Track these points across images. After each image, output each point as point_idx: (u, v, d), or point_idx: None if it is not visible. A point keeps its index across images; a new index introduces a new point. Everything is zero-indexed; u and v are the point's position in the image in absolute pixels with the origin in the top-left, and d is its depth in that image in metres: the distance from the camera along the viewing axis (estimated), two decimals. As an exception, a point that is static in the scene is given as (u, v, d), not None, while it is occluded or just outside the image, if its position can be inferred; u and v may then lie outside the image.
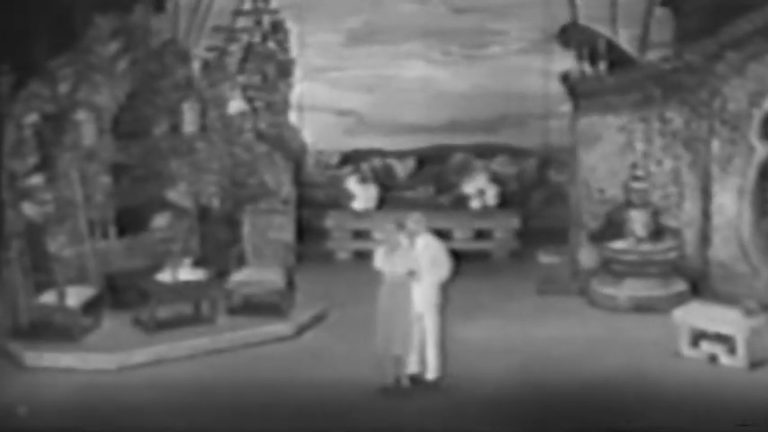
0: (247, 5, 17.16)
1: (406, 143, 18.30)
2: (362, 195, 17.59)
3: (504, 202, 17.61)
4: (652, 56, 16.30)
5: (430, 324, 11.39)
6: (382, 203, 17.65)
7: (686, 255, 14.45)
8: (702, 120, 14.18)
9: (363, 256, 17.00)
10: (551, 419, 10.71)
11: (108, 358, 12.19)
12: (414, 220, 11.50)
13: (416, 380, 11.44)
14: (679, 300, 13.52)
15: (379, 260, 11.35)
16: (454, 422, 10.73)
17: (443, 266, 11.39)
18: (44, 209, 13.14)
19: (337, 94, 18.20)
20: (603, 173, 14.93)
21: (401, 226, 11.42)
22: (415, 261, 11.22)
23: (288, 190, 15.01)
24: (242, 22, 17.13)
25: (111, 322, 13.10)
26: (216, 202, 14.65)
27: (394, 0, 18.10)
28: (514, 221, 17.24)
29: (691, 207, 14.45)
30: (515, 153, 18.29)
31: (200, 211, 14.57)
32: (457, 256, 11.66)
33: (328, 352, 12.66)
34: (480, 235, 17.32)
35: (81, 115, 13.59)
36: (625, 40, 16.76)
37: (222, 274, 13.73)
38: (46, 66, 13.63)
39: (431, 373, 11.46)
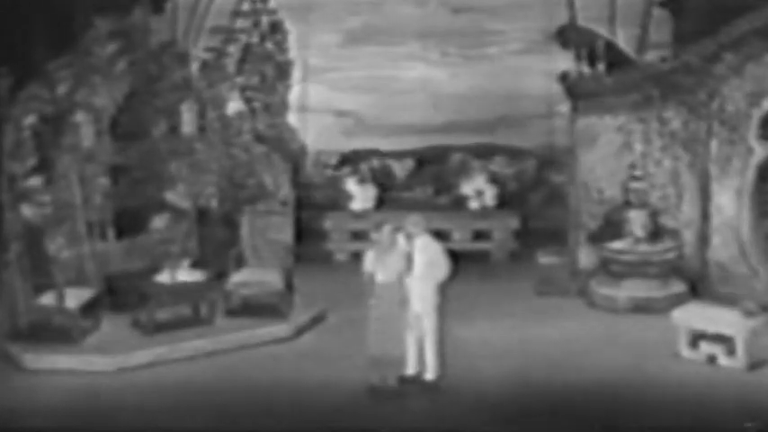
0: (246, 6, 17.13)
1: (404, 144, 18.28)
2: (361, 196, 17.59)
3: (503, 202, 17.60)
4: (650, 56, 16.31)
5: (428, 325, 11.39)
6: (381, 204, 17.64)
7: (685, 255, 14.45)
8: (701, 120, 14.19)
9: (362, 258, 17.03)
10: (550, 420, 10.71)
11: (107, 360, 12.19)
12: (412, 222, 11.50)
13: (415, 380, 11.44)
14: (678, 300, 13.52)
15: (369, 263, 11.34)
16: (453, 422, 10.73)
17: (441, 268, 11.38)
18: (43, 210, 13.12)
19: (336, 95, 18.19)
20: (602, 173, 14.93)
21: (398, 229, 11.41)
22: (407, 263, 11.21)
23: (286, 191, 14.98)
24: (240, 22, 17.11)
25: (110, 324, 13.10)
26: (214, 204, 14.62)
27: (392, 1, 18.09)
28: (513, 222, 17.24)
29: (689, 208, 14.46)
30: (514, 153, 18.28)
31: (198, 213, 14.55)
32: (455, 257, 11.66)
33: (327, 353, 12.66)
34: (479, 236, 17.32)
35: (80, 117, 13.56)
36: (624, 40, 16.78)
37: (221, 276, 13.73)
38: (44, 67, 13.60)
39: (429, 374, 11.46)
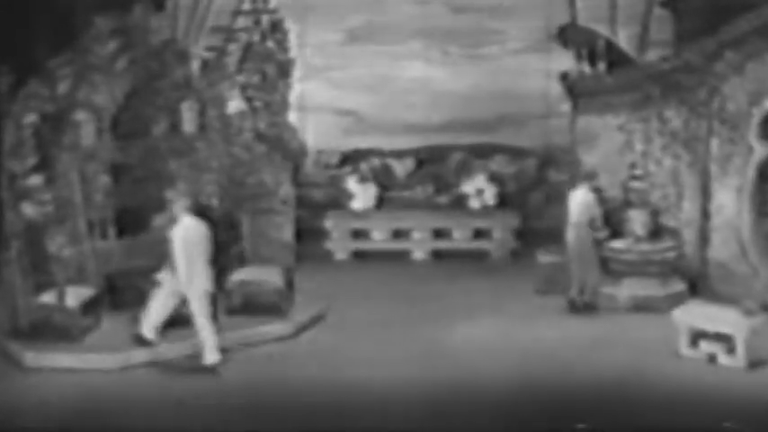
0: (246, 5, 17.12)
1: (405, 143, 18.29)
2: (361, 195, 17.61)
3: (503, 201, 17.63)
4: (651, 56, 16.32)
5: (193, 308, 11.89)
6: (381, 203, 17.66)
7: (685, 254, 14.46)
8: (701, 119, 14.20)
9: (362, 256, 17.06)
10: (551, 419, 10.71)
11: (107, 358, 12.18)
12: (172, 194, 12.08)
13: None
14: (678, 299, 13.53)
15: None
16: (454, 422, 10.73)
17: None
18: (43, 209, 13.11)
19: (336, 94, 18.19)
20: (603, 172, 14.92)
21: None
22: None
23: (287, 190, 14.98)
24: (241, 21, 17.10)
25: (111, 322, 13.10)
26: (215, 202, 14.63)
27: (393, 0, 18.10)
28: (513, 221, 17.26)
29: (690, 207, 14.46)
30: (514, 153, 18.28)
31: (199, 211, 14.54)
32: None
33: (327, 352, 12.66)
34: (479, 234, 17.34)
35: (80, 115, 13.56)
36: (624, 39, 16.78)
37: (221, 274, 13.71)
38: (45, 65, 13.60)
39: (209, 357, 11.77)
